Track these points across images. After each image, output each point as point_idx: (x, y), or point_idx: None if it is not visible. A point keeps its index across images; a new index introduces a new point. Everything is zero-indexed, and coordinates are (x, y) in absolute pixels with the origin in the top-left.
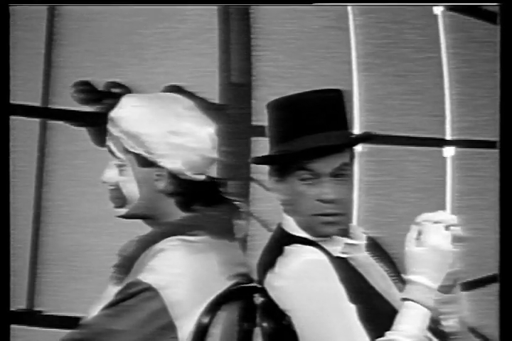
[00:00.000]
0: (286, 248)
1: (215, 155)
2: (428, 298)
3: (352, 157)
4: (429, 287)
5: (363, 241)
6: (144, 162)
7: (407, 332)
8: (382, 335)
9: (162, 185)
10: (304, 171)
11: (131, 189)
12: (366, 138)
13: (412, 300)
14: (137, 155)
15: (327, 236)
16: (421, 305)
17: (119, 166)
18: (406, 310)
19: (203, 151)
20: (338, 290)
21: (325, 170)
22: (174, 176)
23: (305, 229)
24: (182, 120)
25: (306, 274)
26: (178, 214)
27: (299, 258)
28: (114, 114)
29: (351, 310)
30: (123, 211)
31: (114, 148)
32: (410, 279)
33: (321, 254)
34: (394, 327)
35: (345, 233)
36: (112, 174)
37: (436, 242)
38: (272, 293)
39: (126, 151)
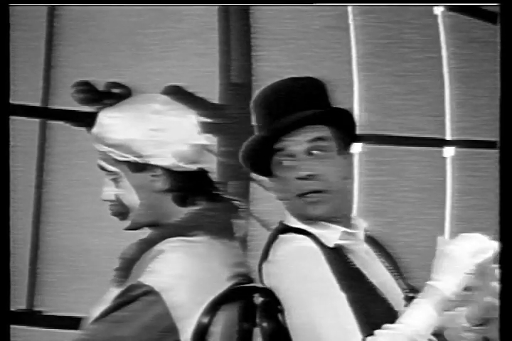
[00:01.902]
0: (281, 236)
1: (202, 141)
2: (437, 301)
3: (337, 135)
4: (443, 292)
5: (361, 231)
6: (137, 167)
7: (411, 327)
8: (371, 328)
9: (159, 184)
10: (279, 153)
11: (131, 197)
12: (335, 112)
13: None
14: (128, 163)
15: (317, 219)
16: (430, 305)
17: (114, 180)
18: (415, 306)
19: (190, 140)
20: (327, 276)
21: (298, 147)
22: (169, 172)
23: (297, 216)
24: (161, 116)
25: (294, 258)
26: (178, 213)
27: (289, 244)
28: (94, 131)
29: (340, 297)
30: (128, 222)
31: (104, 164)
32: (429, 283)
33: (312, 243)
34: (400, 319)
35: (346, 221)
36: (109, 190)
37: (456, 252)
38: (266, 281)
39: (117, 162)
